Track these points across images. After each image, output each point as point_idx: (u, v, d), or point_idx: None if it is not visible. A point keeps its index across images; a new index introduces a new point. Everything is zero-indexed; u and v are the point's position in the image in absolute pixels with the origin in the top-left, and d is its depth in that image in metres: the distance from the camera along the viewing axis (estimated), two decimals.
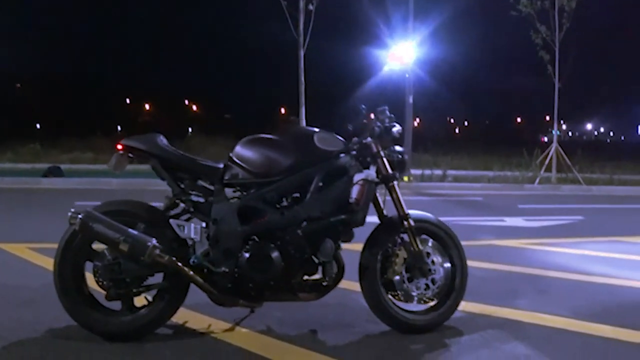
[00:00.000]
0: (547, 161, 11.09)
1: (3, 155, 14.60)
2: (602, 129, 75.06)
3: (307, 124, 10.73)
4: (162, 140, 2.56)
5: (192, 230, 2.44)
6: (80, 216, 2.32)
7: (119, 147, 2.56)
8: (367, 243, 2.64)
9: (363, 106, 2.67)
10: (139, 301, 2.48)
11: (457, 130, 61.55)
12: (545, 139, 11.74)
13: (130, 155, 2.55)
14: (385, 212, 2.70)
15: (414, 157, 12.98)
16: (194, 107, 55.85)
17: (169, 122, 36.30)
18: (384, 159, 2.59)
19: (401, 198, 2.63)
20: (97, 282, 2.40)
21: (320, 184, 2.49)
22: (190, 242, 2.46)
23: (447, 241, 2.71)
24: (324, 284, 2.53)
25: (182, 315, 2.61)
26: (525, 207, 8.04)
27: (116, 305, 2.45)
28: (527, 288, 3.48)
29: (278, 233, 2.42)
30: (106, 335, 2.40)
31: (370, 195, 2.51)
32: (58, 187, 10.03)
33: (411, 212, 2.69)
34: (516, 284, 3.59)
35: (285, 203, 2.52)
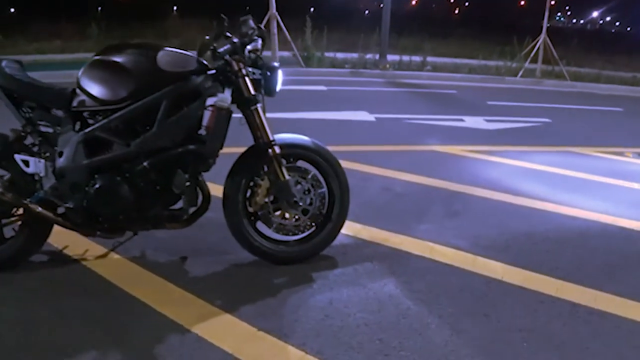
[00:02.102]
0: (533, 52, 10.24)
1: None
2: (608, 18, 70.14)
3: (278, 11, 9.85)
4: (8, 66, 2.31)
5: (37, 165, 2.24)
6: None
7: None
8: (230, 171, 2.35)
9: (224, 17, 2.22)
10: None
11: (456, 11, 57.37)
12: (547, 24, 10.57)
13: None
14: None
15: (395, 41, 12.06)
16: None
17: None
18: (246, 79, 2.20)
19: (265, 123, 2.27)
20: None
21: (175, 109, 2.16)
22: (37, 177, 2.27)
23: (325, 169, 2.40)
24: (185, 216, 2.32)
25: (66, 239, 2.52)
26: (495, 104, 7.52)
27: None
28: (440, 209, 3.20)
29: (126, 165, 2.20)
30: None
31: (223, 122, 2.18)
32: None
33: (284, 136, 2.37)
34: (431, 203, 3.30)
35: (134, 132, 2.22)
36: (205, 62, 2.20)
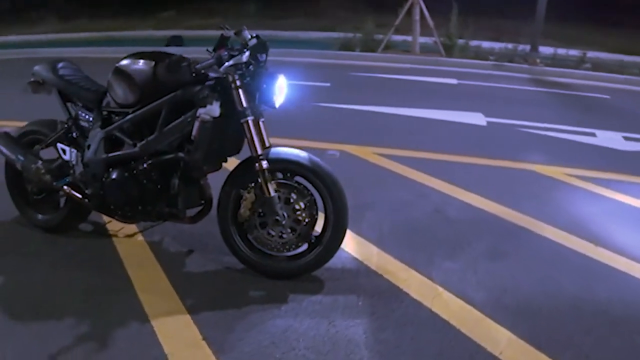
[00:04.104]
0: None
1: (146, 23, 15.57)
2: None
3: None
4: (63, 67, 2.68)
5: (71, 154, 2.60)
6: None
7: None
8: (226, 179, 2.37)
9: (226, 27, 2.22)
10: None
11: None
12: None
13: (39, 82, 2.69)
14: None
15: (556, 29, 10.56)
16: None
17: None
18: (240, 91, 2.16)
19: (255, 137, 2.21)
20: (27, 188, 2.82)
21: (175, 117, 2.28)
22: (71, 164, 2.62)
23: (320, 189, 2.25)
24: (181, 215, 2.43)
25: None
26: None
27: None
28: (486, 246, 2.76)
29: (133, 163, 2.40)
30: (40, 227, 2.84)
31: (207, 133, 2.19)
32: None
33: (279, 150, 2.28)
34: (481, 236, 2.87)
35: (142, 134, 2.41)
36: (211, 72, 2.20)
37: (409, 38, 10.62)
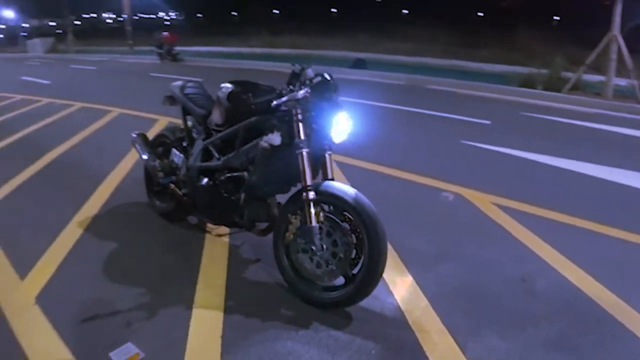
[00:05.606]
0: None
1: (340, 42, 16.92)
2: None
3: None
4: (190, 86, 3.21)
5: (179, 158, 3.16)
6: (133, 138, 3.47)
7: None
8: (284, 203, 2.56)
9: (296, 65, 2.43)
10: None
11: None
12: None
13: (172, 97, 3.28)
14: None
15: None
16: None
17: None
18: (300, 124, 2.34)
19: (307, 169, 2.35)
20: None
21: (250, 140, 2.59)
22: (178, 167, 3.17)
23: (360, 230, 2.28)
24: (246, 227, 2.74)
25: None
26: None
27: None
28: (556, 332, 2.39)
29: (216, 174, 2.79)
30: (157, 212, 3.49)
31: (264, 160, 2.44)
32: (354, 78, 11.28)
33: (330, 184, 2.39)
34: (557, 321, 2.48)
35: (226, 150, 2.78)
36: (278, 101, 2.40)
37: (600, 78, 9.40)
